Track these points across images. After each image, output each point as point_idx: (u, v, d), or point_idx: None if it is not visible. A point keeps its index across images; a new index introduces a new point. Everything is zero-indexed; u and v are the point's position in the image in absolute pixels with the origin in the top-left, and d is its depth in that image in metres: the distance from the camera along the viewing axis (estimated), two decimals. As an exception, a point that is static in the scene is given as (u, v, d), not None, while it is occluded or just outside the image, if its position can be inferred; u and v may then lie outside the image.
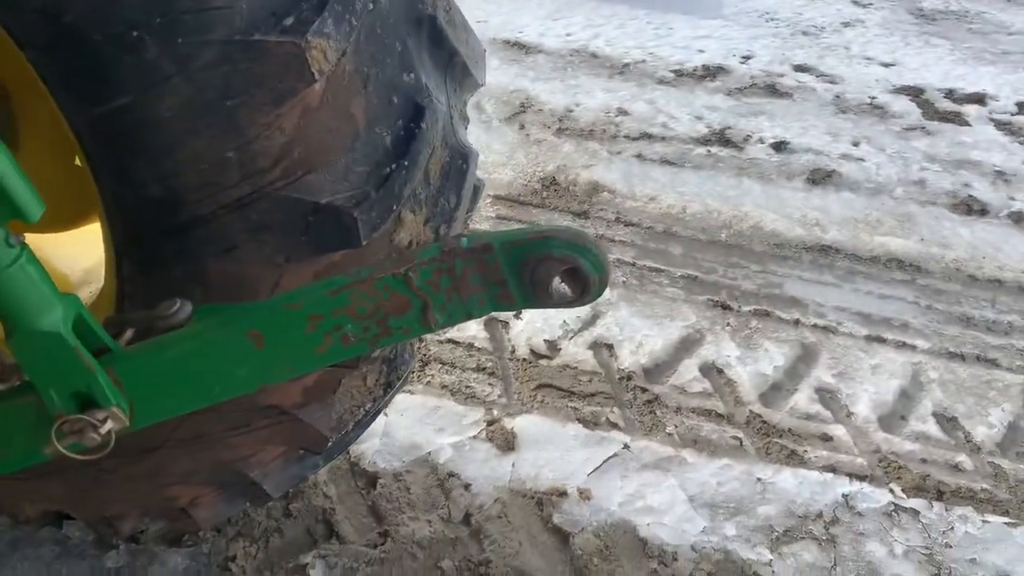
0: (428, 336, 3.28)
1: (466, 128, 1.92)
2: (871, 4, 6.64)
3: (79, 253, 2.24)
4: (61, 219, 2.19)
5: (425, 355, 3.20)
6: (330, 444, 1.91)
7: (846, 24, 6.22)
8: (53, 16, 1.32)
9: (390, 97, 1.53)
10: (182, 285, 1.58)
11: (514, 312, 3.41)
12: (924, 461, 2.93)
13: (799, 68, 5.46)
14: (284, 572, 2.43)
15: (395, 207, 1.55)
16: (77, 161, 1.99)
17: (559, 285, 1.17)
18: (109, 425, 1.28)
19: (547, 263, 1.15)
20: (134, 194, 1.50)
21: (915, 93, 5.21)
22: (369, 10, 1.44)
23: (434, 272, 1.20)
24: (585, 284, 1.16)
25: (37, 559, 2.43)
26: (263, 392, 1.76)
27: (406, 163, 1.55)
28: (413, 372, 3.10)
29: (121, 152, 1.45)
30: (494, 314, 3.37)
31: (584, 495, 2.71)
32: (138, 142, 1.43)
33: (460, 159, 1.75)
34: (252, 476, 1.98)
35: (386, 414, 2.91)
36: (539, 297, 1.19)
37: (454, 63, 1.72)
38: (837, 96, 5.14)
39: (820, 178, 4.37)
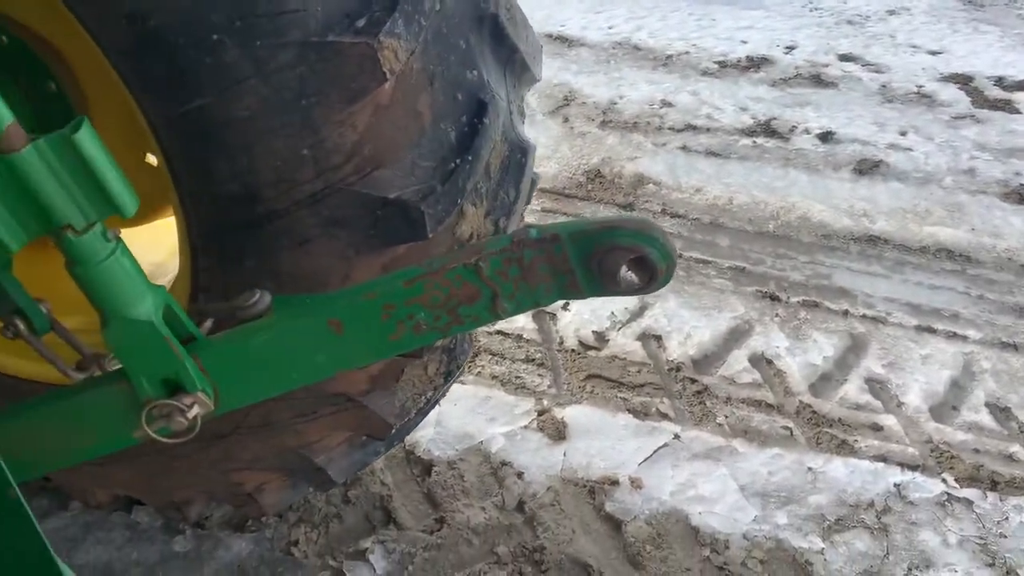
0: (478, 328, 3.33)
1: (523, 122, 1.96)
2: (917, -9, 6.55)
3: (150, 247, 2.32)
4: (137, 214, 2.27)
5: (475, 347, 3.25)
6: (393, 431, 1.96)
7: (891, 12, 6.15)
8: (140, 21, 1.39)
9: (455, 94, 1.57)
10: (256, 277, 1.65)
11: (562, 304, 3.45)
12: (977, 451, 2.92)
13: (844, 58, 5.42)
14: (344, 556, 2.50)
15: (459, 201, 1.60)
16: (149, 159, 2.08)
17: (626, 274, 1.21)
18: (196, 410, 1.34)
19: (614, 253, 1.19)
20: (212, 191, 1.57)
21: (964, 81, 5.15)
22: (436, 10, 1.49)
23: (504, 262, 1.24)
24: (652, 272, 1.20)
25: (108, 543, 2.54)
26: (331, 380, 1.83)
27: (469, 158, 1.59)
28: (465, 368, 3.16)
29: (200, 150, 1.52)
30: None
31: (635, 484, 2.75)
32: (217, 141, 1.49)
33: (519, 153, 1.79)
34: (317, 462, 2.05)
35: (440, 404, 2.96)
36: (606, 286, 1.23)
37: (514, 59, 1.77)
38: (883, 85, 5.09)
39: (867, 168, 4.34)
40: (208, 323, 1.49)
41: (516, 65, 1.79)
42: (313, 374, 1.37)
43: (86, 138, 1.10)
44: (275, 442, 2.01)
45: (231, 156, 1.51)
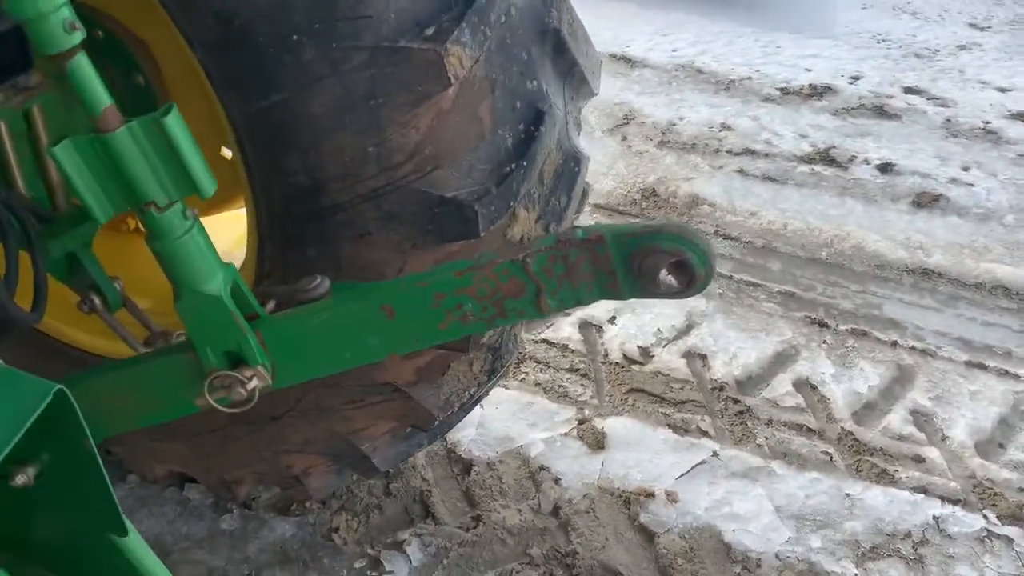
0: (524, 335, 3.40)
1: (579, 134, 2.03)
2: (990, 27, 6.47)
3: (217, 236, 2.44)
4: (203, 205, 2.40)
5: (520, 354, 3.32)
6: (436, 423, 2.04)
7: (962, 47, 6.08)
8: (226, 19, 1.50)
9: (514, 102, 1.66)
10: (317, 266, 1.74)
11: (609, 317, 3.51)
12: (1022, 490, 2.88)
13: (909, 90, 5.38)
14: (382, 546, 2.59)
15: (512, 203, 1.68)
16: (223, 152, 2.20)
17: (666, 277, 1.27)
18: (255, 383, 1.44)
19: (655, 255, 1.25)
20: (282, 182, 1.67)
21: (1033, 119, 5.07)
22: (502, 22, 1.58)
23: (549, 259, 1.31)
24: (692, 276, 1.26)
25: (161, 516, 2.66)
26: (379, 369, 1.92)
27: (524, 163, 1.67)
28: (509, 370, 3.23)
29: (274, 144, 1.62)
30: (589, 319, 3.48)
31: (671, 498, 2.78)
32: (290, 135, 1.60)
33: (573, 162, 1.86)
34: (363, 449, 2.14)
35: (482, 406, 3.04)
36: (646, 288, 1.29)
37: (574, 72, 1.84)
38: (948, 120, 5.04)
39: (926, 201, 4.31)
40: (271, 304, 1.59)
41: (575, 78, 1.86)
42: (365, 356, 1.45)
43: (174, 122, 1.21)
44: (325, 427, 2.10)
45: (302, 150, 1.61)
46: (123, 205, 1.26)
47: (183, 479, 2.68)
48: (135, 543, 1.33)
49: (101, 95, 1.17)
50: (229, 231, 2.47)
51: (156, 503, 2.69)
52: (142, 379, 1.49)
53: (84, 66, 1.18)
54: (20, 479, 1.23)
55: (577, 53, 1.81)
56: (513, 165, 1.66)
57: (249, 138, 1.66)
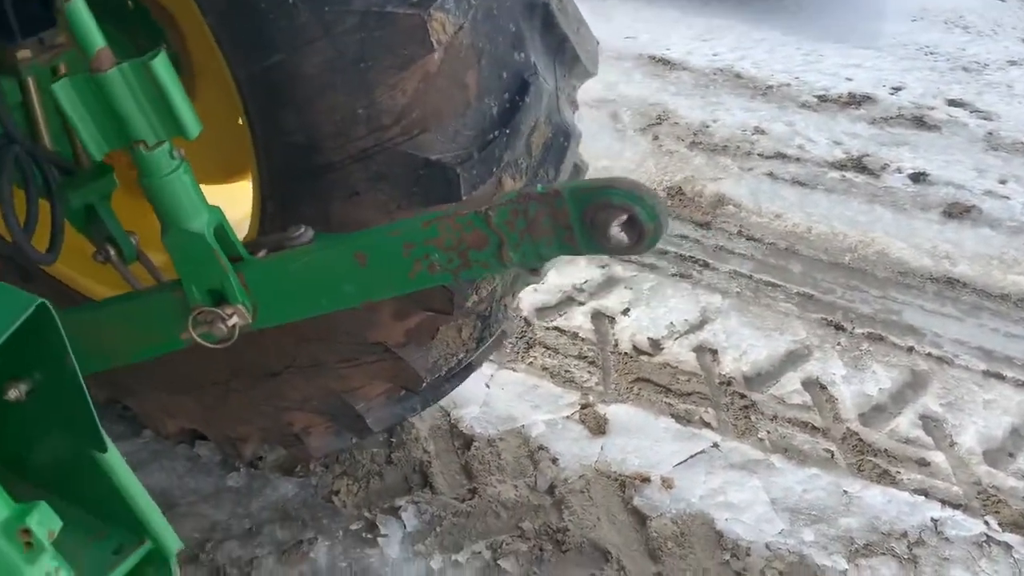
0: (536, 321, 3.46)
1: (574, 112, 2.09)
2: (1045, 43, 6.35)
3: (233, 204, 2.56)
4: (224, 172, 2.52)
5: (531, 338, 3.38)
6: (424, 385, 2.12)
7: (1012, 62, 5.98)
8: (232, -14, 1.60)
9: (500, 72, 1.73)
10: (312, 224, 1.83)
11: (622, 309, 3.55)
12: (1027, 499, 2.85)
13: (953, 103, 5.31)
14: (379, 511, 2.67)
15: (495, 170, 1.75)
16: (240, 121, 2.32)
17: (617, 232, 1.32)
18: (235, 320, 1.53)
19: (606, 210, 1.30)
20: (281, 140, 1.77)
21: (1079, 135, 4.97)
22: (487, -8, 1.66)
23: (511, 213, 1.37)
24: (640, 232, 1.30)
25: (171, 470, 2.78)
26: (371, 328, 2.00)
27: (508, 131, 1.74)
28: (517, 352, 3.30)
29: (273, 102, 1.72)
30: (602, 309, 3.53)
31: (667, 484, 2.81)
32: (287, 94, 1.69)
33: (562, 137, 1.93)
34: (358, 409, 2.23)
35: (487, 386, 3.11)
36: (599, 242, 1.34)
37: (564, 48, 1.91)
38: (990, 133, 4.97)
39: (958, 212, 4.26)
40: (262, 253, 1.68)
41: (566, 55, 1.93)
42: (341, 301, 1.53)
43: (161, 66, 1.31)
44: (321, 383, 2.19)
45: (298, 109, 1.70)
46: (115, 142, 1.36)
47: (195, 436, 2.80)
48: (114, 459, 1.42)
49: (96, 37, 1.28)
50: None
51: (168, 458, 2.81)
52: (133, 313, 1.60)
53: (81, 10, 1.29)
54: (12, 393, 1.32)
55: (567, 29, 1.87)
56: (496, 132, 1.73)
57: (252, 98, 1.76)
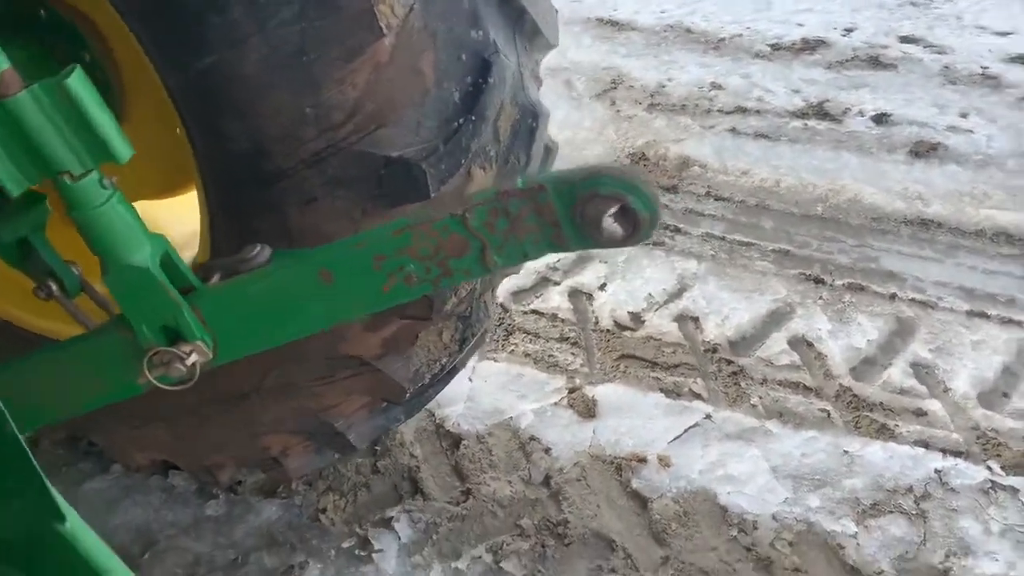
0: (513, 306, 3.34)
1: (538, 88, 1.96)
2: (988, -28, 6.30)
3: (182, 218, 2.39)
4: (165, 186, 2.34)
5: (509, 324, 3.26)
6: (408, 395, 1.99)
7: (959, -7, 5.92)
8: (148, -18, 1.43)
9: (458, 54, 1.58)
10: (268, 238, 1.67)
11: (599, 284, 3.44)
12: (1026, 438, 2.80)
13: (905, 39, 5.23)
14: (370, 525, 2.54)
15: (463, 161, 1.61)
16: (179, 131, 2.14)
17: (610, 224, 1.20)
18: (194, 358, 1.38)
19: (596, 202, 1.18)
20: (224, 149, 1.61)
21: (1033, 62, 4.93)
22: (437, -32, 1.50)
23: (490, 213, 1.24)
24: (635, 222, 1.18)
25: (146, 504, 2.63)
26: (344, 342, 1.86)
27: (473, 118, 1.60)
28: (497, 340, 3.17)
29: (211, 109, 1.56)
30: (578, 287, 3.41)
31: (664, 462, 2.72)
32: (226, 99, 1.53)
33: (530, 117, 1.79)
34: (337, 426, 2.09)
35: (470, 379, 2.99)
36: (590, 236, 1.21)
37: (524, 21, 1.76)
38: (946, 67, 4.91)
39: (924, 151, 4.20)
40: (215, 277, 1.53)
41: (526, 28, 1.78)
42: (309, 324, 1.39)
43: (78, 84, 1.15)
44: (295, 405, 2.05)
45: (240, 114, 1.55)
46: (35, 176, 1.20)
47: (167, 467, 2.64)
48: (76, 528, 1.28)
49: (-3, 59, 1.11)
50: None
51: (141, 492, 2.66)
52: (79, 360, 1.44)
53: (-26, 29, 1.12)
54: None
55: (525, 1, 1.73)
56: (461, 120, 1.59)
57: (187, 106, 1.59)
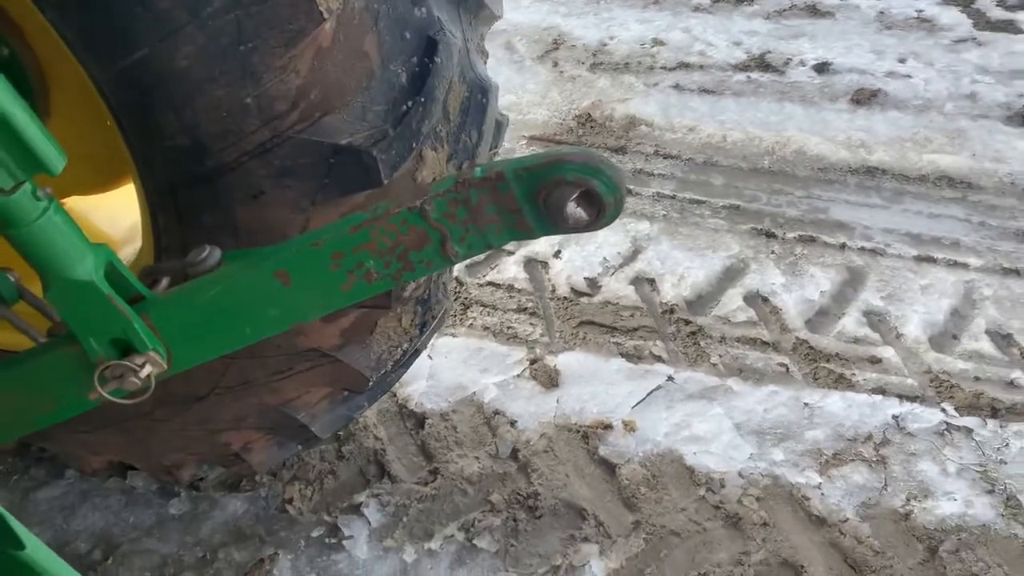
0: (468, 279, 3.30)
1: (485, 62, 1.90)
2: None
3: (120, 213, 2.29)
4: (100, 181, 2.24)
5: (466, 298, 3.23)
6: (371, 384, 1.95)
7: (891, -64, 5.94)
8: (66, -27, 1.34)
9: (402, 32, 1.52)
10: (215, 234, 1.61)
11: (554, 252, 3.41)
12: (977, 379, 2.87)
13: (842, -15, 5.25)
14: (339, 511, 2.51)
15: (414, 144, 1.56)
16: (109, 122, 2.04)
17: (574, 209, 1.17)
18: (148, 369, 1.32)
19: (560, 187, 1.14)
20: (161, 146, 1.53)
21: (965, 3, 4.99)
22: (374, -55, 1.43)
23: (450, 204, 1.20)
24: (600, 206, 1.15)
25: (106, 508, 2.56)
26: (302, 336, 1.81)
27: (422, 99, 1.54)
28: (454, 315, 3.14)
29: (144, 105, 1.48)
30: (533, 256, 3.38)
31: (629, 427, 2.73)
32: (159, 94, 1.45)
33: (479, 93, 1.74)
34: (300, 419, 2.04)
35: (430, 357, 2.95)
36: (555, 223, 1.18)
37: (467, -5, 1.70)
38: (881, 12, 4.94)
39: (865, 98, 4.23)
40: (164, 282, 1.46)
41: (470, 2, 1.72)
42: (267, 328, 1.34)
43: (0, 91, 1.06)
44: (254, 401, 2.00)
45: (176, 109, 1.47)
46: (-39, 193, 1.12)
47: (124, 468, 2.57)
48: (37, 553, 1.23)
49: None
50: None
51: (99, 495, 2.58)
52: (26, 379, 1.37)
53: None
54: None
55: (468, -27, 1.67)
56: (410, 103, 1.53)
57: (118, 103, 1.51)
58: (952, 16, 4.85)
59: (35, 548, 1.23)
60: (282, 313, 1.32)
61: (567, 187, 1.15)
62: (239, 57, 1.39)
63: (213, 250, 1.34)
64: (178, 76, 1.41)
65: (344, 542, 2.44)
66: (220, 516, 2.51)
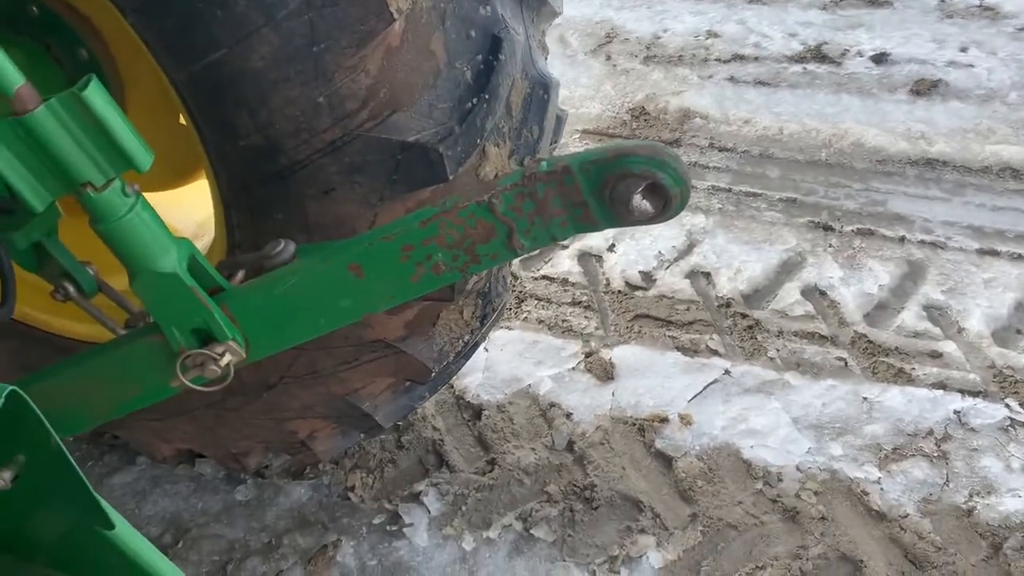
0: (523, 273, 3.33)
1: (545, 58, 1.93)
2: None
3: (191, 208, 2.37)
4: (171, 176, 2.32)
5: (521, 291, 3.26)
6: (433, 375, 1.99)
7: (953, -78, 5.81)
8: (149, -22, 1.40)
9: (468, 31, 1.55)
10: (286, 229, 1.67)
11: (608, 245, 3.42)
12: (1043, 375, 2.82)
13: (900, -26, 5.15)
14: (399, 499, 2.57)
15: (479, 141, 1.59)
16: (181, 120, 2.12)
17: (640, 202, 1.19)
18: (228, 358, 1.38)
19: (626, 180, 1.17)
20: (236, 145, 1.59)
21: (1030, -10, 4.86)
22: (442, -54, 1.47)
23: (516, 197, 1.23)
24: (666, 199, 1.17)
25: (175, 494, 2.65)
26: (367, 327, 1.86)
27: (487, 96, 1.58)
28: (510, 308, 3.17)
29: (220, 105, 1.54)
30: (587, 250, 3.40)
31: (685, 420, 2.74)
32: (235, 94, 1.50)
33: (541, 89, 1.76)
34: (364, 408, 2.10)
35: (486, 349, 2.99)
36: (620, 215, 1.21)
37: (530, -8, 1.73)
38: (942, 0, 4.84)
39: (925, 88, 4.16)
40: (240, 275, 1.52)
41: (532, -1, 1.76)
42: (340, 318, 1.39)
43: (95, 94, 1.13)
44: (321, 390, 2.05)
45: (251, 108, 1.52)
46: (58, 189, 1.19)
47: (193, 455, 2.66)
48: (125, 534, 1.30)
49: (11, 75, 1.09)
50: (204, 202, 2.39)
51: (169, 481, 2.68)
52: (113, 367, 1.44)
53: (-16, 44, 1.09)
54: None
55: (531, -29, 1.70)
56: (475, 100, 1.57)
57: (195, 102, 1.57)
58: (1016, 3, 4.73)
59: (123, 528, 1.29)
60: (354, 304, 1.36)
61: (633, 180, 1.17)
62: (312, 57, 1.43)
63: (288, 244, 1.40)
64: (254, 76, 1.47)
65: (405, 530, 2.49)
66: (285, 503, 2.59)
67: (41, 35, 2.00)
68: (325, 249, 1.37)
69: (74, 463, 1.18)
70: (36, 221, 1.72)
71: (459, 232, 1.27)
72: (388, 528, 2.51)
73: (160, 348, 1.38)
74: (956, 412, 2.72)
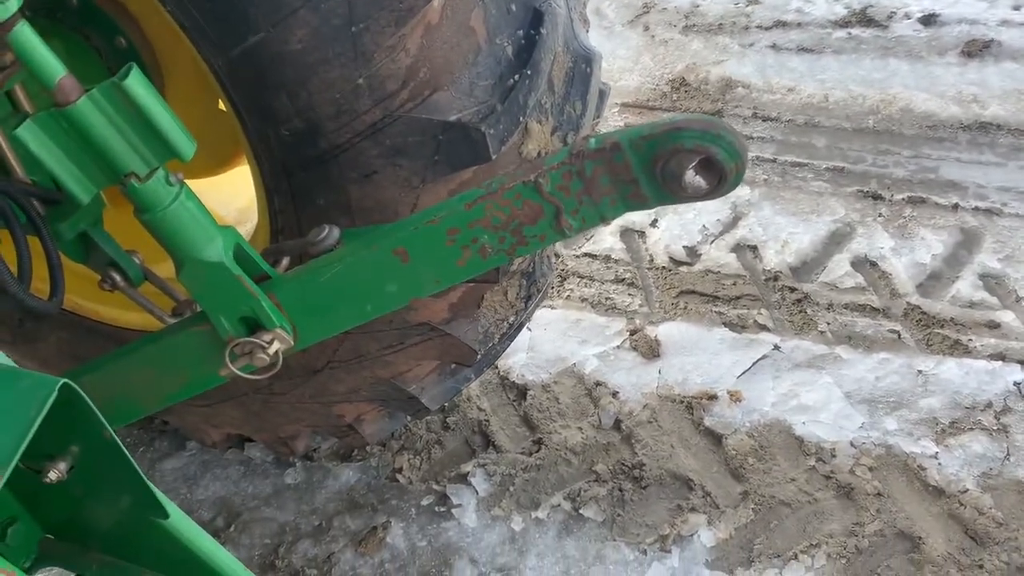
0: (565, 251, 3.30)
1: (587, 30, 1.88)
2: None
3: (232, 194, 2.37)
4: (211, 163, 2.32)
5: (563, 270, 3.22)
6: (478, 356, 1.97)
7: None
8: (185, -37, 1.38)
9: (508, 5, 1.52)
10: (329, 213, 1.65)
11: (651, 221, 3.37)
12: (1107, 343, 2.72)
13: (948, -70, 4.97)
14: (447, 480, 2.57)
15: (521, 118, 1.56)
16: (220, 106, 2.11)
17: (693, 178, 1.15)
18: (276, 346, 1.37)
19: (679, 156, 1.12)
20: (276, 129, 1.57)
21: (1087, -58, 4.66)
22: (480, -82, 1.43)
23: (564, 176, 1.20)
24: (721, 174, 1.13)
25: (226, 478, 2.68)
26: (412, 311, 1.85)
27: (529, 72, 1.54)
28: (553, 287, 3.14)
29: (260, 90, 1.52)
30: (630, 226, 3.35)
31: (735, 397, 2.70)
32: (275, 78, 1.49)
33: (583, 63, 1.72)
34: (410, 391, 2.09)
35: (529, 329, 2.97)
36: (673, 192, 1.16)
37: (570, -37, 1.69)
38: (993, -44, 4.66)
39: (976, 50, 4.01)
40: (285, 261, 1.51)
41: (573, -31, 1.71)
42: (387, 303, 1.37)
43: (136, 84, 1.11)
44: (367, 374, 2.05)
45: (290, 92, 1.50)
46: (102, 180, 1.18)
47: (242, 440, 2.68)
48: (179, 523, 1.30)
49: (53, 66, 1.08)
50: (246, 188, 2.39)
51: (219, 466, 2.70)
52: (162, 357, 1.44)
53: (28, 37, 1.08)
54: (53, 474, 1.21)
55: (571, -59, 1.65)
56: (517, 76, 1.53)
57: (235, 88, 1.55)
58: (1072, -43, 4.54)
59: (178, 517, 1.29)
60: (400, 289, 1.34)
61: (686, 155, 1.13)
62: (351, 38, 1.41)
63: (332, 229, 1.38)
64: (292, 59, 1.45)
65: (453, 510, 2.49)
66: (334, 485, 2.60)
67: (79, 25, 2.00)
68: (369, 234, 1.35)
69: (127, 454, 1.19)
70: (82, 212, 1.72)
71: (505, 214, 1.24)
72: (436, 509, 2.51)
73: (208, 337, 1.38)
74: (1016, 384, 2.64)
